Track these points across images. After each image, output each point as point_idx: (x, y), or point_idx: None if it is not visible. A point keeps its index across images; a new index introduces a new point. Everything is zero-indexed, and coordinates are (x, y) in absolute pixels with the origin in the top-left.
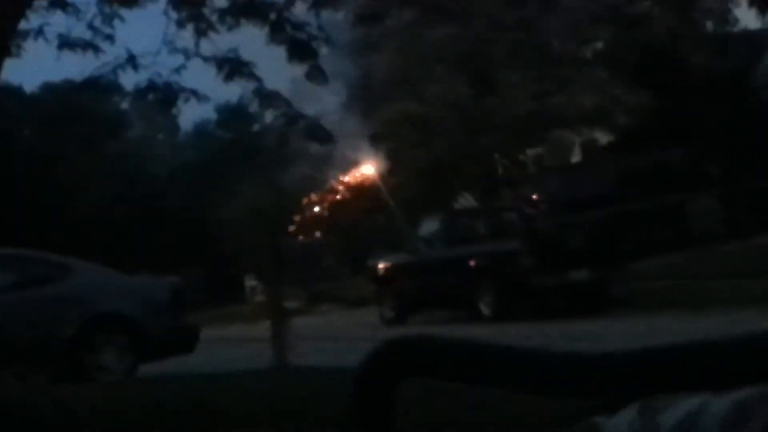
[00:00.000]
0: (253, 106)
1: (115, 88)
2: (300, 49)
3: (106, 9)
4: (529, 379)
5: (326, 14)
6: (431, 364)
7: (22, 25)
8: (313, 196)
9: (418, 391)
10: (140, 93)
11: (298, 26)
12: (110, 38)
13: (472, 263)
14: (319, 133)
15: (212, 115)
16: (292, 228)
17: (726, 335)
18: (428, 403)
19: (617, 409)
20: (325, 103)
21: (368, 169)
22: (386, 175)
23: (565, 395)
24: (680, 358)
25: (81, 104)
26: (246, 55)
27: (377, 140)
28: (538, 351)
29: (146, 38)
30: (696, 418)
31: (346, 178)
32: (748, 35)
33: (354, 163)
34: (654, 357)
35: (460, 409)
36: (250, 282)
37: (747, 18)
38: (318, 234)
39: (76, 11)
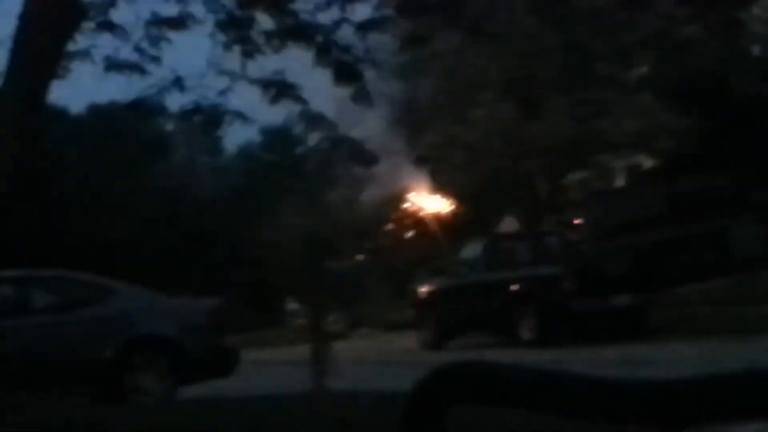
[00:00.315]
0: (298, 129)
1: (161, 110)
2: (346, 72)
3: (153, 31)
4: (583, 405)
5: (372, 37)
6: (484, 390)
7: (70, 46)
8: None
9: (459, 419)
10: (185, 115)
11: (345, 49)
12: (157, 60)
13: (513, 288)
14: (363, 156)
15: (257, 138)
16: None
17: None
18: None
19: None
20: (370, 126)
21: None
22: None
23: (622, 423)
24: (740, 387)
25: (126, 126)
26: (291, 76)
27: (422, 163)
28: (593, 377)
29: (193, 60)
30: None
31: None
32: None
33: (400, 188)
34: (716, 385)
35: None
36: (291, 305)
37: None
38: (360, 257)
39: (124, 33)
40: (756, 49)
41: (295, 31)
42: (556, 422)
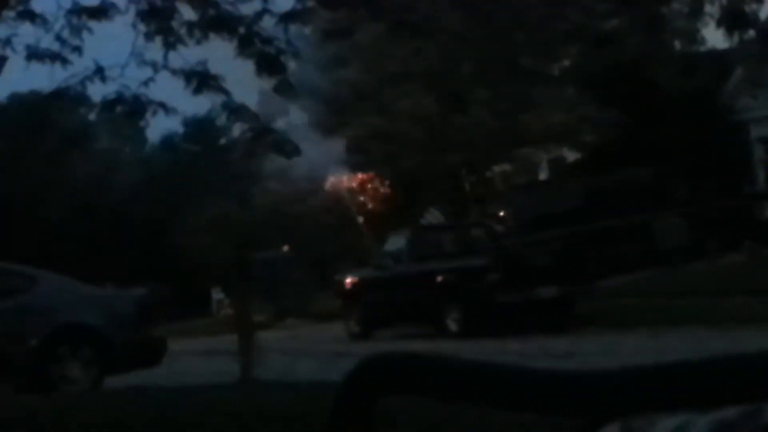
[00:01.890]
0: (221, 120)
1: (83, 99)
2: (269, 63)
3: (75, 20)
4: (511, 396)
5: (295, 28)
6: (413, 381)
7: None
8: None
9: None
10: (108, 105)
11: (267, 40)
12: (78, 50)
13: (439, 279)
14: (286, 147)
15: (180, 128)
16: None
17: (708, 355)
18: (396, 420)
19: (596, 429)
20: (293, 117)
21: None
22: (354, 190)
23: (545, 413)
24: (661, 378)
25: (48, 116)
26: (214, 68)
27: (345, 155)
28: (520, 368)
29: (114, 51)
30: None
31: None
32: (715, 55)
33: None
34: (635, 376)
35: (431, 427)
36: (217, 295)
37: (714, 38)
38: (285, 248)
39: (45, 22)
40: (677, 44)
41: (217, 21)
42: (482, 413)
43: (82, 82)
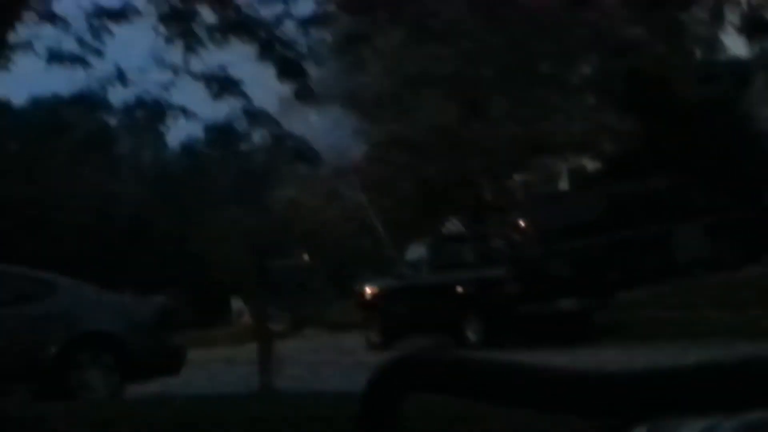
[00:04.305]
0: (241, 125)
1: (103, 103)
2: (289, 68)
3: (96, 23)
4: (537, 396)
5: (316, 33)
6: (438, 380)
7: (11, 38)
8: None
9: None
10: (128, 109)
11: (288, 44)
12: (99, 53)
13: (458, 289)
14: (306, 153)
15: (200, 134)
16: None
17: (737, 358)
18: (423, 419)
19: (622, 430)
20: (313, 123)
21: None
22: (374, 199)
23: (572, 413)
24: (688, 380)
25: (68, 119)
26: (236, 73)
27: (367, 163)
28: (548, 369)
29: (136, 54)
30: None
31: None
32: (735, 63)
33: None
34: (661, 378)
35: (456, 425)
36: (236, 304)
37: (735, 45)
38: (305, 257)
39: (66, 25)
40: (698, 52)
41: (238, 25)
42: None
43: (103, 86)
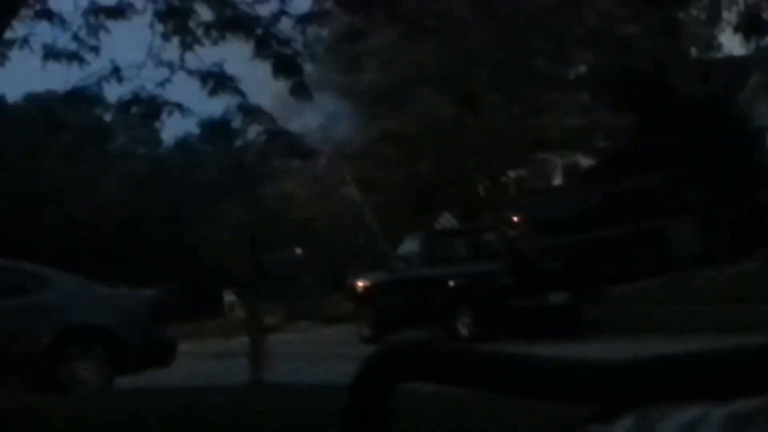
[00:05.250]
0: (237, 122)
1: (99, 100)
2: (285, 65)
3: (92, 20)
4: (525, 384)
5: (312, 30)
6: (429, 369)
7: (7, 34)
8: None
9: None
10: (124, 105)
11: (284, 42)
12: (95, 50)
13: (451, 283)
14: (301, 149)
15: (195, 130)
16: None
17: (726, 347)
18: (413, 409)
19: (613, 418)
20: (308, 119)
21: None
22: (367, 193)
23: (560, 401)
24: (678, 368)
25: (64, 115)
26: (232, 70)
27: (360, 158)
28: (535, 357)
29: (131, 51)
30: (694, 429)
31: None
32: (731, 61)
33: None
34: (651, 366)
35: (448, 416)
36: (228, 297)
37: (731, 44)
38: (298, 251)
39: (62, 22)
40: (694, 50)
41: (234, 22)
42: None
43: (99, 83)
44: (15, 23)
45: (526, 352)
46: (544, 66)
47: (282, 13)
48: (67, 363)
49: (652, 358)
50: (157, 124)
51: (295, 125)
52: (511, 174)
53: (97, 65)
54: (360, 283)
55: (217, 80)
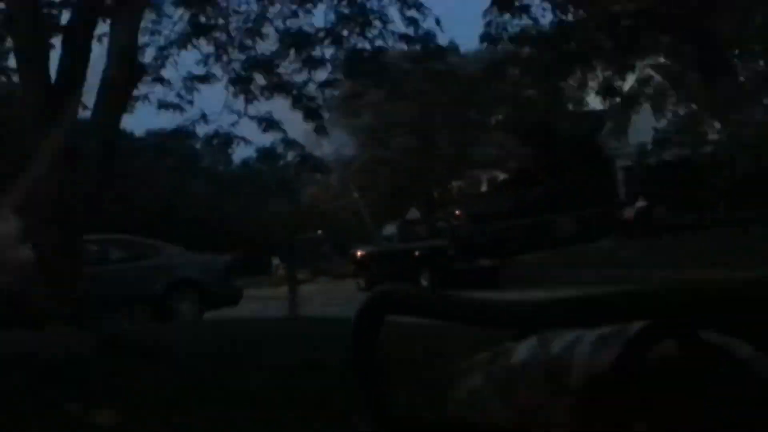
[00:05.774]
0: (280, 149)
1: (193, 135)
2: (311, 113)
3: (188, 84)
4: (469, 315)
5: (328, 91)
6: (407, 305)
7: (135, 92)
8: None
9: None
10: (209, 139)
11: (310, 98)
12: (191, 102)
13: (416, 254)
14: (321, 167)
15: (254, 155)
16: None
17: (597, 293)
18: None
19: (523, 338)
20: (326, 148)
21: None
22: (363, 196)
23: (491, 327)
24: (567, 306)
25: (170, 145)
26: (277, 116)
27: (358, 173)
28: (474, 298)
29: (214, 103)
30: (574, 344)
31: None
32: (594, 113)
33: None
34: (549, 304)
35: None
36: (275, 261)
37: (594, 102)
38: (320, 232)
39: (169, 84)
40: (570, 105)
41: (279, 86)
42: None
43: (192, 123)
44: (139, 85)
45: (468, 296)
46: (475, 115)
47: (309, 80)
48: (173, 303)
49: (550, 300)
50: (229, 151)
51: (317, 151)
52: (455, 184)
53: (191, 112)
54: (358, 252)
55: (268, 123)
